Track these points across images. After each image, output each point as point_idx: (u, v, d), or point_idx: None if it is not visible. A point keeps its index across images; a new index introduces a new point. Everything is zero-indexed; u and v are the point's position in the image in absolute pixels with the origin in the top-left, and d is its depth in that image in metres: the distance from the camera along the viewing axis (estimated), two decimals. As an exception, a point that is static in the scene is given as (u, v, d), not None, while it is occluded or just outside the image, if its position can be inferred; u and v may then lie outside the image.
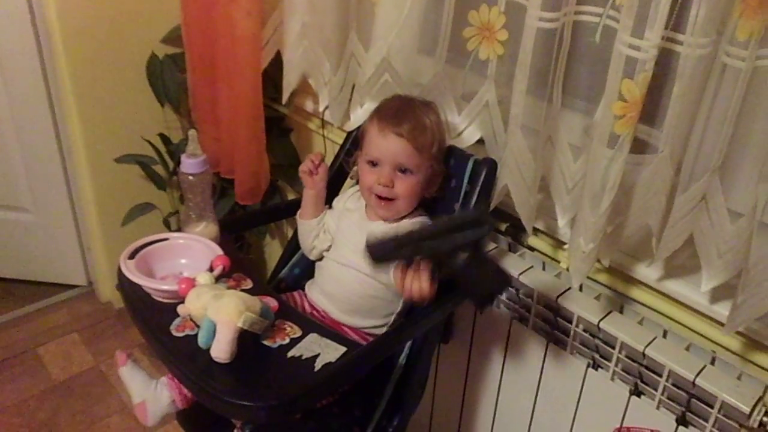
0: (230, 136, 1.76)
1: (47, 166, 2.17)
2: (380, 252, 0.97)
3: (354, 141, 1.41)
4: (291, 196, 2.07)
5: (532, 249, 1.38)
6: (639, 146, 1.03)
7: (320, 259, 1.38)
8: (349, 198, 1.37)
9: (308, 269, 1.42)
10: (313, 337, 1.05)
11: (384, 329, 1.29)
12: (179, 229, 1.27)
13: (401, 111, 1.21)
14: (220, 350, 0.96)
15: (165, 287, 1.09)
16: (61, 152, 2.15)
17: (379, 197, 1.22)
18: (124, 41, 1.98)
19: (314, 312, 1.30)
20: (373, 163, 1.22)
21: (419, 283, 1.01)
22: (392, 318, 1.29)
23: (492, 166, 1.20)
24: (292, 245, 1.47)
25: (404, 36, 1.32)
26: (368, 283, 1.25)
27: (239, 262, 1.21)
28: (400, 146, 1.19)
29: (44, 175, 2.20)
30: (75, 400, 1.97)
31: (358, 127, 1.36)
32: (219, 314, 0.97)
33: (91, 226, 2.23)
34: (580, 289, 1.28)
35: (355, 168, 1.36)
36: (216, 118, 1.80)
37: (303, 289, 1.38)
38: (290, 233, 2.03)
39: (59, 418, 1.90)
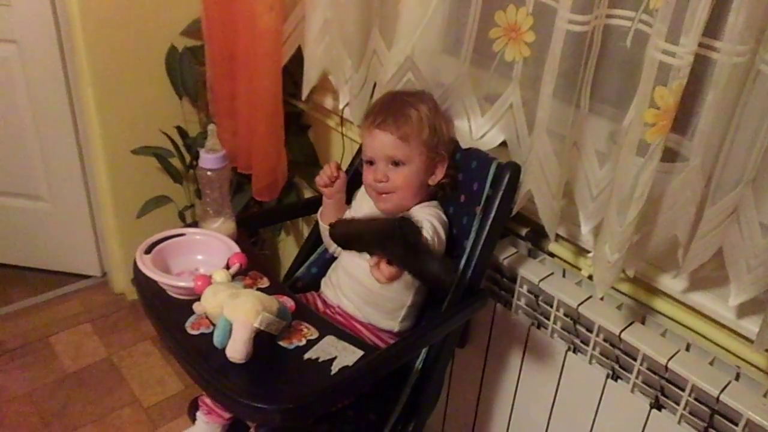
0: (248, 131, 1.74)
1: (64, 155, 2.17)
2: (341, 236, 0.98)
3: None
4: (308, 193, 2.05)
5: (552, 255, 1.35)
6: (667, 155, 1.00)
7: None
8: (362, 198, 1.36)
9: (325, 268, 1.41)
10: (330, 339, 1.03)
11: (398, 326, 1.28)
12: (195, 224, 1.26)
13: (384, 105, 1.25)
14: (236, 350, 0.94)
15: (181, 284, 1.07)
16: (78, 142, 2.15)
17: (379, 192, 1.25)
18: (144, 33, 1.97)
19: (327, 311, 1.29)
20: (370, 162, 1.25)
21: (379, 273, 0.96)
22: (403, 312, 1.27)
23: (515, 170, 1.18)
24: (310, 243, 1.45)
25: (429, 35, 1.29)
26: None
27: (256, 260, 1.19)
28: (385, 140, 1.21)
29: (61, 165, 2.20)
30: (86, 391, 1.97)
31: None
32: (235, 313, 0.96)
33: (106, 217, 2.22)
34: (602, 298, 1.26)
35: None
36: (234, 113, 1.79)
37: (319, 289, 1.37)
38: (306, 230, 2.02)
39: (70, 408, 1.90)
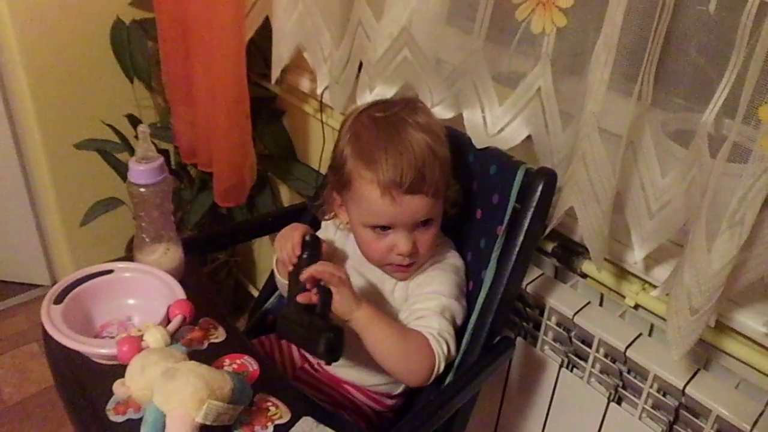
0: (207, 121, 1.44)
1: (-1, 151, 1.86)
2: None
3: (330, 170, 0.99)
4: (284, 191, 1.76)
5: (585, 276, 1.08)
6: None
7: None
8: (336, 233, 1.06)
9: (302, 298, 1.12)
10: (306, 423, 0.75)
11: (400, 387, 1.00)
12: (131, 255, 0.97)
13: (403, 156, 0.86)
14: (171, 456, 0.66)
15: (101, 351, 0.79)
16: (14, 137, 1.84)
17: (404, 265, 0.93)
18: (84, 4, 1.66)
19: (306, 366, 1.01)
20: (383, 227, 0.91)
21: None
22: None
23: (551, 178, 0.89)
24: (282, 266, 1.16)
25: (430, 1, 1.00)
26: None
27: (209, 302, 0.91)
28: (418, 205, 0.88)
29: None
30: (30, 427, 1.69)
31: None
32: (170, 403, 0.67)
33: (51, 219, 1.94)
34: (650, 333, 1.00)
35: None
36: (191, 99, 1.49)
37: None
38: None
39: (10, 449, 1.63)
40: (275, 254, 1.00)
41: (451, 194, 0.94)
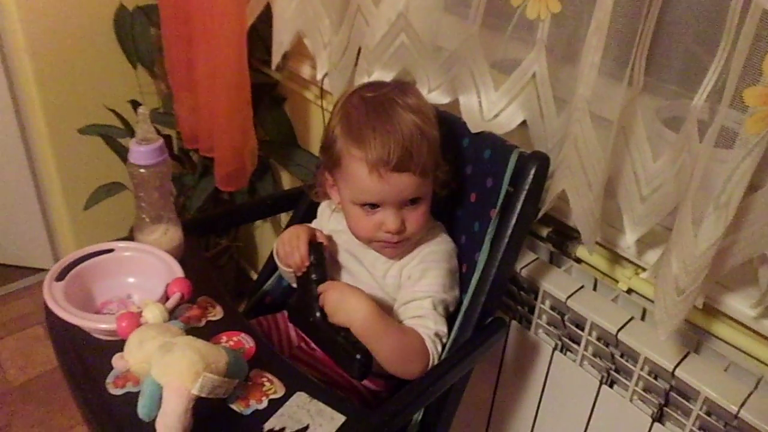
0: (209, 106, 1.46)
1: (4, 138, 1.88)
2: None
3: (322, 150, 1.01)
4: (285, 177, 1.78)
5: (579, 261, 1.09)
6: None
7: None
8: (332, 217, 1.07)
9: (300, 280, 1.14)
10: (300, 398, 0.77)
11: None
12: (131, 236, 0.99)
13: (390, 135, 0.87)
14: (167, 426, 0.68)
15: (101, 326, 0.81)
16: (19, 122, 1.85)
17: (393, 242, 0.95)
18: (88, -10, 1.68)
19: (302, 344, 1.02)
20: (372, 205, 0.93)
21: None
22: None
23: (543, 162, 0.90)
24: (281, 248, 1.18)
25: (427, -15, 1.01)
26: None
27: (207, 281, 0.93)
28: (405, 183, 0.89)
29: (1, 149, 1.90)
30: (34, 407, 1.71)
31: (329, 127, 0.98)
32: (166, 375, 0.69)
33: (56, 204, 1.96)
34: (642, 317, 1.01)
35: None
36: (193, 84, 1.50)
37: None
38: (285, 216, 1.75)
39: (14, 428, 1.65)
40: (275, 244, 1.04)
41: (441, 174, 0.95)
